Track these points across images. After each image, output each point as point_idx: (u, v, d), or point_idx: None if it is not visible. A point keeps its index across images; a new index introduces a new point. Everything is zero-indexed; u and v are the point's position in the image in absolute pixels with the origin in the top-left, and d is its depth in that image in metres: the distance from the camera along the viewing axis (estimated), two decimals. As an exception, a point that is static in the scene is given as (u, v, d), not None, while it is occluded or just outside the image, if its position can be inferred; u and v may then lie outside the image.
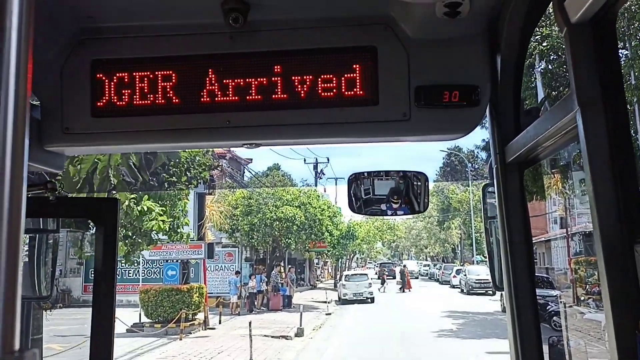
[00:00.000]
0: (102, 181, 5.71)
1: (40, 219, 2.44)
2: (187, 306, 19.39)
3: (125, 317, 17.42)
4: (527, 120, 1.89)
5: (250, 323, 13.38)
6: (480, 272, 35.62)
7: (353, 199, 2.22)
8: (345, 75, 1.94)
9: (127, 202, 11.02)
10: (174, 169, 12.29)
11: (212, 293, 24.23)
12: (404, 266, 43.91)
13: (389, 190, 2.23)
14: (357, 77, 1.94)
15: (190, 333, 18.77)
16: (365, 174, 2.25)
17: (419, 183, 2.27)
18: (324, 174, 42.18)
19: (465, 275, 37.05)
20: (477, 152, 46.52)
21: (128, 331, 18.00)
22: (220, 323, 21.29)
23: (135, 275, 26.00)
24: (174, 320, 18.32)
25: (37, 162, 2.13)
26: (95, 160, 5.78)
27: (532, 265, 2.07)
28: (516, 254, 2.03)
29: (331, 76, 1.95)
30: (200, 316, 20.34)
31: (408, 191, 2.24)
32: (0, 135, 0.47)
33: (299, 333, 18.67)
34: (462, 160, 53.27)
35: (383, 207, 2.22)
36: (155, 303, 19.54)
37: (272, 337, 17.95)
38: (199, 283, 21.92)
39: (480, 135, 28.02)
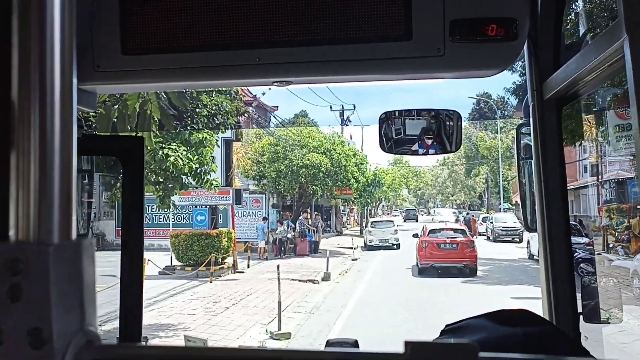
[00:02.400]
0: (141, 120, 5.75)
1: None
2: (216, 250, 19.90)
3: (157, 260, 17.99)
4: (568, 55, 1.80)
5: (278, 267, 13.68)
6: (507, 219, 35.54)
7: (384, 138, 2.17)
8: (378, 10, 1.86)
9: (154, 147, 11.17)
10: (199, 117, 12.33)
11: (240, 238, 24.79)
12: (472, 215, 44.41)
13: (420, 129, 2.17)
14: (390, 12, 1.86)
15: (220, 276, 19.28)
16: (397, 113, 2.19)
17: (451, 122, 2.22)
18: (350, 121, 41.90)
19: (491, 222, 37.01)
20: (507, 98, 45.45)
21: (160, 273, 18.62)
22: (248, 267, 21.84)
23: (166, 220, 26.62)
24: (203, 264, 18.84)
25: None
26: (139, 98, 5.81)
27: (567, 207, 2.03)
28: (551, 195, 1.99)
29: (363, 11, 1.87)
30: (229, 260, 20.87)
31: (440, 130, 2.18)
32: (50, 66, 0.48)
33: (326, 277, 19.03)
34: (491, 106, 52.20)
35: (414, 146, 2.18)
36: (186, 247, 20.14)
37: (300, 280, 18.35)
38: (228, 228, 22.40)
39: (512, 78, 27.30)
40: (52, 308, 0.44)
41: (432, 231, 21.41)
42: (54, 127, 0.47)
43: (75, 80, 0.50)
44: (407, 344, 0.44)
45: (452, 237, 20.40)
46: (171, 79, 2.07)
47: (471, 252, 19.69)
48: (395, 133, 2.15)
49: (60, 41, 0.51)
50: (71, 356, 0.44)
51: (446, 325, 1.20)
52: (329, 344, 1.94)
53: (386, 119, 2.15)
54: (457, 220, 40.14)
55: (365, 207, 44.74)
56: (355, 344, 1.89)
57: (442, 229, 21.74)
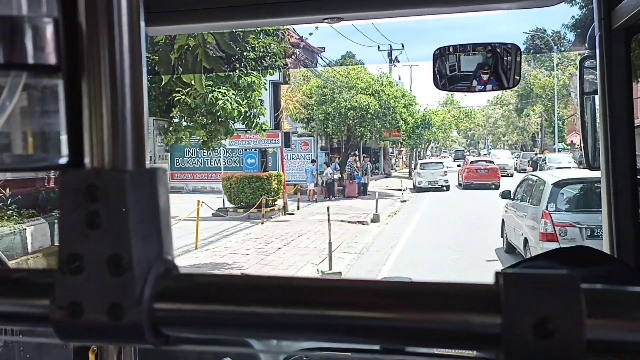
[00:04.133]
0: (192, 63, 5.78)
1: None
2: (267, 193, 20.29)
3: (210, 202, 18.51)
4: None
5: (328, 208, 13.83)
6: (562, 159, 34.51)
7: (438, 75, 2.10)
8: None
9: (204, 90, 11.24)
10: (247, 60, 12.26)
11: (289, 181, 25.08)
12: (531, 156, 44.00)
13: (476, 65, 2.08)
14: None
15: (271, 218, 19.70)
16: (451, 49, 2.10)
17: (509, 57, 2.12)
18: (398, 61, 40.89)
19: (545, 162, 36.04)
20: (564, 33, 43.06)
21: (214, 215, 19.16)
22: (298, 209, 22.20)
23: (217, 164, 27.15)
24: (255, 206, 19.23)
25: None
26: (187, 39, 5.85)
27: (634, 145, 1.93)
28: (616, 132, 1.89)
29: None
30: (280, 202, 21.25)
31: (497, 65, 2.08)
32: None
33: (375, 219, 19.09)
34: (547, 42, 49.67)
35: (469, 83, 2.10)
36: (237, 190, 20.65)
37: (349, 222, 18.48)
38: (277, 171, 22.73)
39: (571, 12, 25.73)
40: (131, 235, 0.43)
41: (472, 162, 33.29)
42: (124, 55, 0.46)
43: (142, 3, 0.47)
44: (499, 274, 0.40)
45: (484, 166, 31.93)
46: (221, 19, 2.04)
47: (496, 175, 30.80)
48: (449, 70, 2.08)
49: None
50: (151, 283, 0.43)
51: (503, 270, 1.19)
52: None
53: (440, 55, 2.08)
54: (516, 167, 40.26)
55: (414, 149, 44.28)
56: None
57: (478, 161, 34.17)
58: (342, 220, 18.36)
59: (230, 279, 0.47)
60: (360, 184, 28.06)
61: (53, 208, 11.54)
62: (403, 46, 41.07)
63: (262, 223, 18.50)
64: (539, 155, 43.40)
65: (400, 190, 28.32)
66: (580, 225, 9.41)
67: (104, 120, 0.45)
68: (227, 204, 20.99)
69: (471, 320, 0.40)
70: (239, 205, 20.49)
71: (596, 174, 2.04)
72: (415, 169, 34.85)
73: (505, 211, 13.26)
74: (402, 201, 25.29)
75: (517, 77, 2.10)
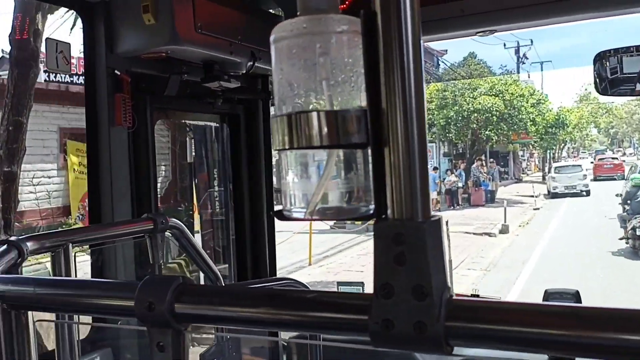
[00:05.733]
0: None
1: None
2: None
3: None
4: None
5: (447, 222, 12.68)
6: None
7: (598, 79, 2.14)
8: None
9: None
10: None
11: None
12: None
13: (640, 67, 2.02)
14: None
15: None
16: (612, 51, 2.10)
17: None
18: (527, 58, 37.92)
19: None
20: None
21: (332, 227, 18.60)
22: None
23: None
24: None
25: None
26: None
27: None
28: None
29: None
30: None
31: (665, 66, 2.00)
32: (406, 73, 0.62)
33: (504, 230, 17.46)
34: None
35: (633, 86, 2.12)
36: None
37: (474, 234, 17.11)
38: None
39: None
40: (431, 270, 0.59)
41: (599, 159, 39.91)
42: (414, 132, 0.61)
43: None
44: None
45: (610, 161, 38.22)
46: None
47: (620, 168, 33.76)
48: (610, 73, 2.14)
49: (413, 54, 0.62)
50: (444, 307, 0.59)
51: None
52: (547, 294, 1.91)
53: (600, 59, 2.12)
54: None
55: (548, 151, 41.12)
56: (576, 295, 1.88)
57: (604, 157, 41.15)
58: (466, 232, 17.07)
59: (497, 304, 0.65)
60: (487, 190, 26.27)
61: None
62: (532, 42, 38.06)
63: None
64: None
65: (532, 196, 25.99)
66: None
67: (402, 181, 0.61)
68: None
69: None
70: None
71: None
72: (549, 172, 32.10)
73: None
74: (534, 209, 23.20)
75: (688, 77, 2.08)
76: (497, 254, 14.52)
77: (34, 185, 10.44)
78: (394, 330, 0.60)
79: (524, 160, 47.38)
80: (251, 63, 2.21)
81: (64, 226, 10.42)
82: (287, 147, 0.68)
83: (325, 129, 0.65)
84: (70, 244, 1.33)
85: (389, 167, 0.61)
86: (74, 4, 2.07)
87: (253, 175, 2.63)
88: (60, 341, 1.16)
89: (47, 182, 10.71)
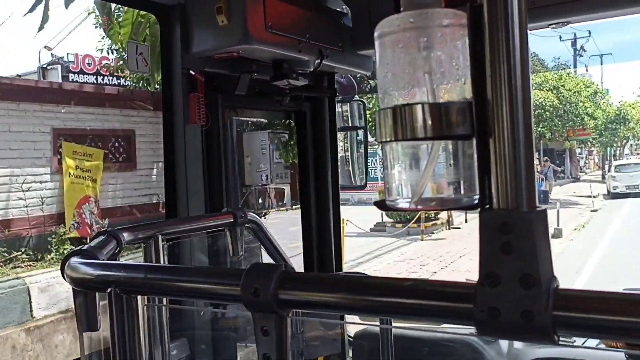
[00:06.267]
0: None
1: (349, 116, 2.94)
2: None
3: (371, 215, 17.63)
4: None
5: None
6: None
7: None
8: None
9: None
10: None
11: None
12: None
13: None
14: None
15: (432, 233, 18.11)
16: None
17: None
18: (584, 51, 36.55)
19: None
20: None
21: (372, 230, 18.24)
22: (466, 222, 19.85)
23: (374, 174, 26.56)
24: (413, 220, 17.83)
25: (351, 65, 2.46)
26: None
27: None
28: None
29: None
30: (443, 214, 19.36)
31: None
32: (511, 66, 0.63)
33: (556, 234, 16.25)
34: None
35: None
36: None
37: None
38: None
39: None
40: (539, 260, 0.60)
41: None
42: (519, 123, 0.62)
43: None
44: None
45: None
46: None
47: None
48: None
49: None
50: (552, 296, 0.60)
51: None
52: None
53: None
54: None
55: (608, 148, 39.48)
56: None
57: None
58: None
59: (605, 294, 0.62)
60: (540, 190, 25.42)
61: None
62: (590, 33, 36.67)
63: (422, 240, 17.09)
64: None
65: (590, 196, 25.00)
66: None
67: (507, 172, 0.62)
68: (386, 218, 19.59)
69: None
70: (397, 219, 18.83)
71: None
72: (609, 171, 30.82)
73: None
74: (592, 210, 22.19)
75: None
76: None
77: (23, 191, 9.35)
78: (500, 318, 0.61)
79: (582, 158, 45.74)
80: (319, 61, 2.25)
81: (53, 236, 9.54)
82: (391, 139, 0.70)
83: (429, 122, 0.67)
84: (160, 236, 1.41)
85: (494, 158, 0.62)
86: (152, 7, 2.16)
87: (319, 171, 2.67)
88: (151, 327, 1.22)
89: (38, 187, 9.60)
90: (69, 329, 7.52)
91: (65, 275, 1.03)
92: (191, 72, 2.11)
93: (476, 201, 0.67)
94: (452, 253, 14.68)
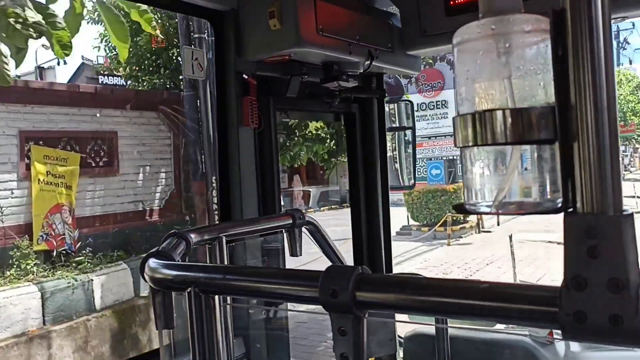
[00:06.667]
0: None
1: (396, 116, 2.94)
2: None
3: (395, 217, 16.64)
4: None
5: (510, 237, 11.53)
6: None
7: None
8: None
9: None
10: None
11: None
12: None
13: None
14: None
15: (460, 237, 17.34)
16: None
17: None
18: (628, 43, 35.45)
19: None
20: None
21: (397, 234, 17.25)
22: (498, 225, 19.09)
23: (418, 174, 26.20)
24: (439, 223, 17.23)
25: (400, 66, 2.45)
26: None
27: None
28: None
29: None
30: (473, 217, 18.43)
31: None
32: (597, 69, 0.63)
33: None
34: None
35: None
36: (420, 205, 18.48)
37: (558, 243, 14.59)
38: None
39: None
40: (627, 263, 0.60)
41: None
42: (604, 128, 0.62)
43: None
44: None
45: None
46: None
47: None
48: None
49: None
50: None
51: None
52: None
53: None
54: None
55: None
56: None
57: None
58: (549, 241, 14.70)
59: None
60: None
61: (147, 248, 8.97)
62: (634, 25, 35.52)
63: (448, 244, 16.32)
64: None
65: (633, 197, 24.21)
66: None
67: (592, 176, 0.62)
68: (412, 221, 18.94)
69: None
70: (423, 222, 18.31)
71: None
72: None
73: None
74: (637, 212, 20.94)
75: None
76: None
77: (-18, 200, 8.27)
78: (587, 322, 0.61)
79: (626, 156, 44.39)
80: (368, 62, 2.26)
81: (15, 250, 8.21)
82: (471, 144, 0.71)
83: (510, 127, 0.67)
84: (224, 237, 1.44)
85: (579, 162, 0.62)
86: (206, 13, 2.20)
87: (368, 172, 2.68)
88: (222, 324, 1.27)
89: (2, 195, 8.53)
90: (21, 356, 6.82)
91: (144, 276, 1.08)
92: (244, 75, 2.16)
93: (559, 205, 0.67)
94: (479, 260, 13.88)
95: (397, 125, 2.92)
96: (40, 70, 16.96)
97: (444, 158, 21.68)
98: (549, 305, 0.65)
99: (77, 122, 9.42)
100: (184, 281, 1.05)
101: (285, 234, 1.69)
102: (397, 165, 2.91)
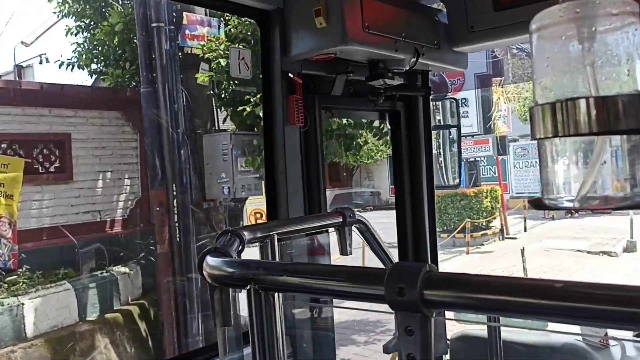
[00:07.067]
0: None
1: (441, 114, 2.91)
2: (476, 212, 17.22)
3: None
4: None
5: (522, 250, 10.67)
6: None
7: None
8: None
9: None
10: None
11: (522, 193, 21.66)
12: None
13: None
14: None
15: (482, 245, 16.63)
16: None
17: None
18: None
19: None
20: None
21: None
22: (525, 230, 18.28)
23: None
24: (458, 229, 16.55)
25: (447, 63, 2.44)
26: None
27: None
28: None
29: None
30: (496, 223, 17.83)
31: None
32: None
33: (630, 247, 14.14)
34: None
35: None
36: (439, 210, 17.10)
37: (588, 252, 14.07)
38: (491, 185, 19.05)
39: None
40: None
41: None
42: None
43: None
44: None
45: None
46: None
47: None
48: None
49: None
50: None
51: None
52: None
53: None
54: None
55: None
56: None
57: None
58: (578, 250, 14.17)
59: None
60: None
61: (102, 264, 8.23)
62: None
63: (467, 253, 15.48)
64: None
65: None
66: None
67: None
68: None
69: None
70: (442, 228, 17.42)
71: None
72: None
73: None
74: None
75: None
76: (617, 281, 11.57)
77: None
78: None
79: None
80: (414, 59, 2.24)
81: None
82: (551, 135, 0.68)
83: (594, 116, 0.64)
84: (276, 235, 1.45)
85: None
86: (252, 13, 2.22)
87: (413, 170, 2.66)
88: (281, 322, 1.28)
89: None
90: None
91: (202, 272, 1.07)
92: (290, 74, 2.17)
93: None
94: (499, 270, 12.75)
95: (442, 123, 2.89)
96: (19, 68, 16.26)
97: (465, 160, 21.01)
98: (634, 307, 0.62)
99: (20, 123, 8.21)
100: (244, 278, 1.04)
101: (335, 232, 1.69)
102: (442, 164, 2.87)
